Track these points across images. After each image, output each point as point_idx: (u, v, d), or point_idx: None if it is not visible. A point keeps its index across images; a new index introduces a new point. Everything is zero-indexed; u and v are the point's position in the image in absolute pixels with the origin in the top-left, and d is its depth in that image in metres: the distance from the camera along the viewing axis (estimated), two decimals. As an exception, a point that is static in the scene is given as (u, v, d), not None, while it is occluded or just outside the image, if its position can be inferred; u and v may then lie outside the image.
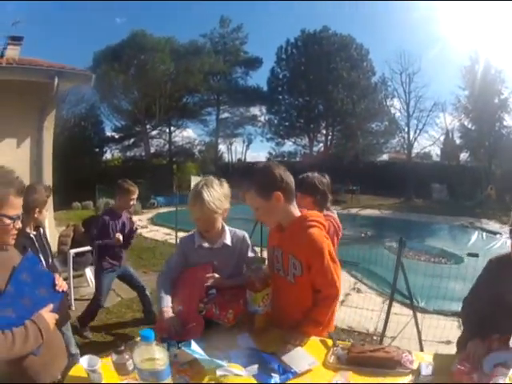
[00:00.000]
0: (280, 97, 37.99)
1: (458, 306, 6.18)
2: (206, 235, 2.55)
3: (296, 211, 2.38)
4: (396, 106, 33.29)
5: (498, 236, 13.88)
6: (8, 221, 1.81)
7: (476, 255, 5.81)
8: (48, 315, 1.84)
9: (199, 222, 2.50)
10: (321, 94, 34.49)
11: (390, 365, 1.93)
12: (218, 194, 2.43)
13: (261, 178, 2.29)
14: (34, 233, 3.35)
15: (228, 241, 2.57)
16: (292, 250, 2.31)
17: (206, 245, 2.54)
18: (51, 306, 1.88)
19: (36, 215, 3.28)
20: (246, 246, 2.64)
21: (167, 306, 2.36)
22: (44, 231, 3.56)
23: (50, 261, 3.47)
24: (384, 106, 35.12)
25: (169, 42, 34.37)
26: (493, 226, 16.34)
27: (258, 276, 2.29)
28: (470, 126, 30.60)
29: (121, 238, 4.94)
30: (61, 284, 1.97)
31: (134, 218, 5.80)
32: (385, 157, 37.52)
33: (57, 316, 1.92)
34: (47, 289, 1.90)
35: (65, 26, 47.92)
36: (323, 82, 33.53)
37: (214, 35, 37.54)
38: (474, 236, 14.05)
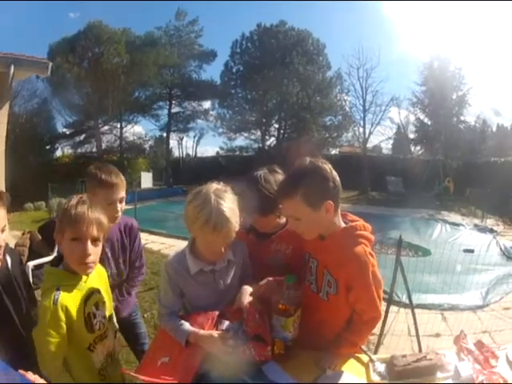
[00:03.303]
0: (233, 91, 37.63)
1: (437, 299, 6.33)
2: (209, 256, 2.08)
3: (340, 220, 2.06)
4: (352, 100, 33.78)
5: (460, 227, 14.19)
6: None
7: (472, 251, 5.76)
8: None
9: (215, 248, 2.02)
10: (275, 88, 34.28)
11: (433, 371, 1.83)
12: (236, 207, 1.98)
13: (312, 182, 1.90)
14: None
15: (231, 255, 2.14)
16: (329, 265, 2.03)
17: (207, 268, 2.08)
18: None
19: None
20: (247, 256, 2.25)
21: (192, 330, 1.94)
22: (16, 257, 2.30)
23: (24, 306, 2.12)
24: (339, 100, 35.64)
25: (125, 33, 33.46)
26: (454, 217, 16.68)
27: (291, 299, 1.90)
28: (425, 121, 31.60)
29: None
30: None
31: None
32: (336, 151, 37.83)
33: None
34: None
35: (18, 19, 46.19)
36: (278, 76, 33.40)
37: (169, 28, 36.84)
38: (438, 228, 14.22)
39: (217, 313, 1.99)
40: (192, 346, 1.89)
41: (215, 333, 1.86)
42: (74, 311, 1.81)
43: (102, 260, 2.47)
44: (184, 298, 2.15)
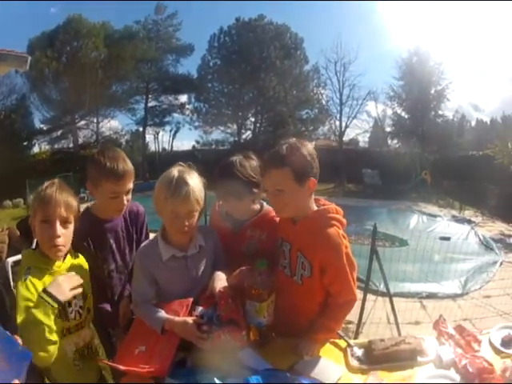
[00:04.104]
0: (210, 85, 37.40)
1: (415, 288, 6.37)
2: (178, 239, 2.07)
3: (313, 204, 2.10)
4: (328, 94, 33.96)
5: (438, 218, 14.36)
6: None
7: (448, 239, 5.81)
8: None
9: (182, 221, 1.97)
10: (252, 82, 34.26)
11: (414, 355, 1.84)
12: (200, 183, 2.02)
13: (301, 158, 1.97)
14: None
15: (202, 241, 2.13)
16: (303, 248, 2.04)
17: (179, 254, 2.06)
18: (17, 382, 1.35)
19: None
20: (219, 242, 2.24)
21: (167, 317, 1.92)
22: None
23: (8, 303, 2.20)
24: (315, 94, 35.75)
25: (104, 27, 33.09)
26: (431, 209, 16.86)
27: (263, 283, 1.90)
28: (403, 115, 31.88)
29: None
30: None
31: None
32: (312, 144, 37.87)
33: None
34: (8, 359, 1.36)
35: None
36: (255, 70, 33.47)
37: (148, 22, 36.34)
38: (414, 219, 14.32)
39: (191, 300, 1.97)
40: (168, 334, 1.88)
41: (190, 319, 1.85)
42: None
43: (106, 252, 2.40)
44: (157, 286, 2.12)
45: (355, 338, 4.02)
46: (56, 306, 1.71)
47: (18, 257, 5.13)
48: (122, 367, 1.75)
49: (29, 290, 1.73)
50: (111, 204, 2.25)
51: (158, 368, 1.74)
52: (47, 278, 1.83)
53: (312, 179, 1.99)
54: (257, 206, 2.35)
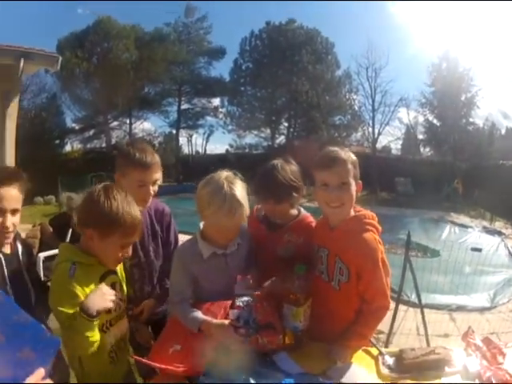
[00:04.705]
0: (242, 88, 37.54)
1: (445, 299, 6.32)
2: (221, 242, 2.10)
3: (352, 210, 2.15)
4: (361, 100, 33.67)
5: (469, 230, 14.09)
6: None
7: (480, 250, 5.75)
8: None
9: (228, 232, 2.05)
10: (284, 86, 34.23)
11: (441, 366, 1.85)
12: (245, 192, 2.05)
13: (355, 159, 2.10)
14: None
15: (239, 238, 2.17)
16: (340, 253, 2.08)
17: (219, 251, 2.11)
18: (42, 371, 1.28)
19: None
20: (251, 241, 2.29)
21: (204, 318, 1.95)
22: (27, 248, 2.18)
23: (33, 299, 1.97)
24: (348, 99, 35.46)
25: (134, 29, 33.59)
26: (462, 219, 16.58)
27: (301, 288, 1.93)
28: (434, 122, 31.39)
29: None
30: None
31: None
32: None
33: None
34: (33, 347, 1.28)
35: (26, 14, 46.27)
36: (287, 74, 33.46)
37: (178, 24, 36.81)
38: (446, 229, 14.08)
39: (229, 302, 1.99)
40: (204, 335, 1.91)
41: (227, 322, 1.87)
42: (88, 288, 1.80)
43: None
44: (195, 285, 2.16)
45: (385, 347, 4.02)
46: (94, 320, 1.71)
47: (50, 252, 5.36)
48: (157, 365, 1.78)
49: (77, 286, 1.75)
50: (138, 193, 2.26)
51: (192, 367, 1.76)
52: (92, 270, 1.87)
53: (359, 182, 2.09)
54: (295, 211, 2.38)
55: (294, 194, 2.23)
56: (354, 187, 2.06)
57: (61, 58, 8.80)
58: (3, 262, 1.86)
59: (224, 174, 2.05)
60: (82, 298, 1.73)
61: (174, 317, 2.13)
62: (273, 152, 30.50)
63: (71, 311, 1.70)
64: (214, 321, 1.92)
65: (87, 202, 1.86)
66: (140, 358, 1.87)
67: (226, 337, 1.83)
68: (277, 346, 1.86)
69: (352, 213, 2.15)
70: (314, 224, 2.36)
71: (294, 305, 1.92)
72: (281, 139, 37.96)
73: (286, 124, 37.44)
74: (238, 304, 1.90)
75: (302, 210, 2.43)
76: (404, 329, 4.99)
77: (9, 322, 1.27)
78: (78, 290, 1.74)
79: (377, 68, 30.28)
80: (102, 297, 1.77)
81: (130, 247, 1.93)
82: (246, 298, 1.91)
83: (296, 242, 2.32)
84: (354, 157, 2.10)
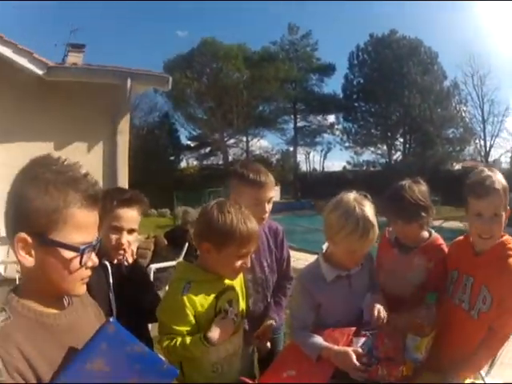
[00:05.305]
0: (356, 104, 37.57)
1: None
2: (347, 265, 2.02)
3: None
4: (470, 111, 32.37)
5: None
6: (70, 254, 1.06)
7: None
8: None
9: (358, 256, 1.98)
10: (397, 100, 33.70)
11: None
12: (374, 213, 1.96)
13: (505, 185, 1.97)
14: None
15: (362, 258, 2.08)
16: (488, 281, 1.95)
17: (343, 273, 2.02)
18: None
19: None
20: (373, 263, 2.24)
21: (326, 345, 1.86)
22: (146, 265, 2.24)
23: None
24: (458, 111, 34.24)
25: (241, 49, 34.89)
26: None
27: (429, 318, 1.85)
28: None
29: None
30: None
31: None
32: (459, 165, 35.80)
33: None
34: (148, 377, 1.16)
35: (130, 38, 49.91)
36: (398, 87, 32.99)
37: (283, 42, 37.76)
38: None
39: (353, 329, 1.93)
40: (322, 362, 1.85)
41: (351, 349, 1.80)
42: (203, 306, 1.79)
43: None
44: (317, 311, 2.09)
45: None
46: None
47: (161, 264, 5.50)
48: None
49: (189, 305, 1.75)
50: (254, 211, 2.15)
51: None
52: (209, 288, 1.84)
53: (509, 209, 1.99)
54: (425, 233, 2.32)
55: (423, 213, 2.17)
56: (504, 218, 1.96)
57: (171, 78, 9.20)
58: (109, 270, 1.93)
59: (352, 195, 1.96)
60: (191, 317, 1.75)
61: (291, 342, 2.10)
62: (390, 169, 29.71)
63: (181, 328, 1.74)
64: (336, 347, 1.84)
65: (203, 217, 1.87)
66: (247, 379, 1.85)
67: (346, 365, 1.77)
68: (395, 379, 1.76)
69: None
70: (444, 246, 2.29)
71: (419, 335, 1.84)
72: (397, 155, 37.23)
73: (402, 140, 36.65)
74: (363, 332, 1.86)
75: (433, 232, 2.35)
76: (505, 358, 4.52)
77: (119, 354, 1.14)
78: (189, 310, 1.75)
79: (481, 76, 28.50)
80: (226, 330, 1.78)
81: (249, 257, 1.89)
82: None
83: (426, 267, 2.25)
84: (504, 182, 1.96)
